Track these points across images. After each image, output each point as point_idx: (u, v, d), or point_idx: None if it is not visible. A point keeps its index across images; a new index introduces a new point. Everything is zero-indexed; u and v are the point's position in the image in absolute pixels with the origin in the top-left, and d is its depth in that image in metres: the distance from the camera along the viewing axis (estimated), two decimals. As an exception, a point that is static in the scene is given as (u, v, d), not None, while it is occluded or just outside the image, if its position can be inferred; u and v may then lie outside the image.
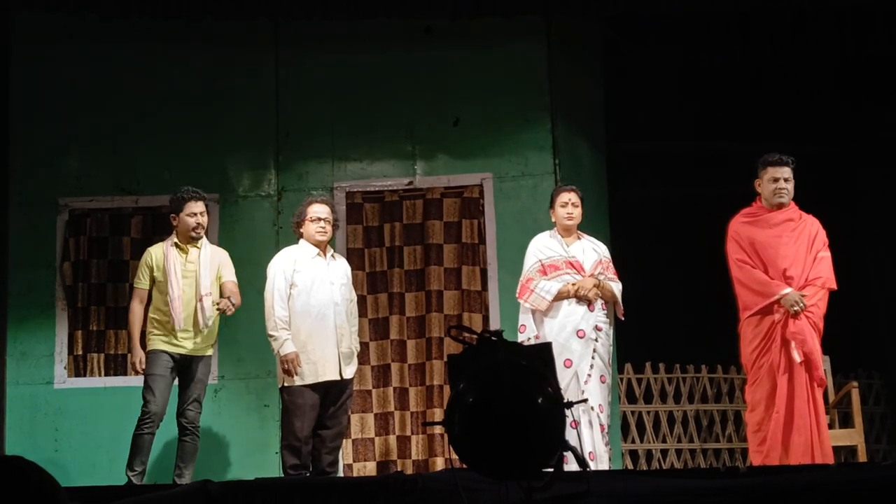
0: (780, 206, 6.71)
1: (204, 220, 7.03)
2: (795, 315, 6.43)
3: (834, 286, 6.56)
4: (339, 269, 7.02)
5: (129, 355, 7.09)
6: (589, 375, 6.62)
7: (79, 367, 8.08)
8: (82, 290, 8.16)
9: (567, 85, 8.37)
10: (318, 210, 7.00)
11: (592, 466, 6.29)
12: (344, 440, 7.40)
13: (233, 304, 6.92)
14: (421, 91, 8.35)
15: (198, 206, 6.99)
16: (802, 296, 6.45)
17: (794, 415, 6.37)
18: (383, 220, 8.31)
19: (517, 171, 8.21)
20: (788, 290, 6.48)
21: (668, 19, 8.42)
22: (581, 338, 6.64)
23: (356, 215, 8.21)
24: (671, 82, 9.24)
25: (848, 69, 9.14)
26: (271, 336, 6.86)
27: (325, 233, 6.97)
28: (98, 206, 8.26)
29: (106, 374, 8.04)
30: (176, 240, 7.01)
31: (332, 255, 7.07)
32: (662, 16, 8.30)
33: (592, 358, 6.65)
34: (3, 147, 8.27)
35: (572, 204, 6.91)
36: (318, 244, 6.98)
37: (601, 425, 6.59)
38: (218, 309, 6.90)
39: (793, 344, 6.43)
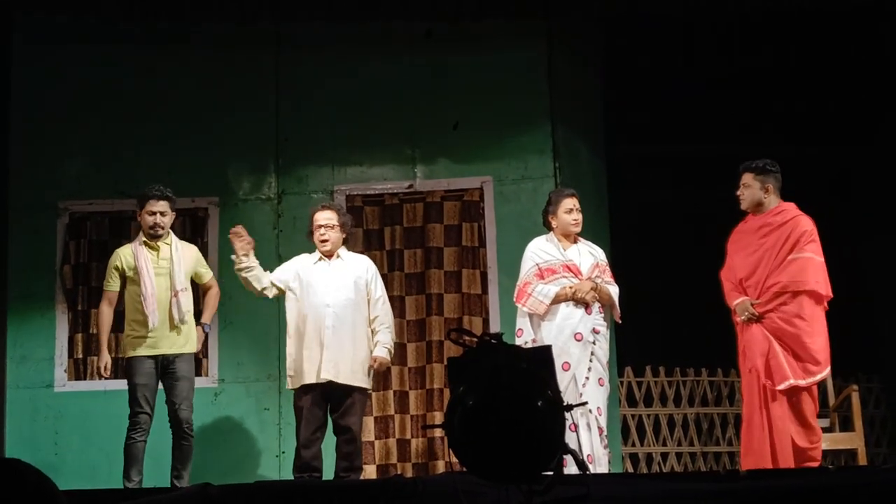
0: (746, 211, 6.71)
1: (163, 220, 6.96)
2: (748, 323, 6.48)
3: (802, 287, 6.37)
4: (343, 270, 6.95)
5: (96, 359, 6.99)
6: (587, 378, 6.61)
7: (79, 371, 8.08)
8: (82, 294, 8.16)
9: (567, 88, 8.37)
10: (319, 217, 7.01)
11: (591, 469, 6.28)
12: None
13: (205, 332, 7.20)
14: (421, 94, 8.36)
15: (158, 205, 6.95)
16: (752, 304, 6.46)
17: (751, 418, 6.43)
18: (383, 223, 8.31)
19: (517, 174, 8.21)
20: (740, 299, 6.54)
21: (668, 22, 8.43)
22: (579, 341, 6.64)
23: (356, 218, 8.17)
24: (671, 85, 9.23)
25: (850, 70, 9.14)
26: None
27: (327, 240, 6.95)
28: (98, 210, 8.26)
29: (106, 378, 8.03)
30: (144, 238, 6.98)
31: (338, 256, 7.02)
32: (662, 18, 8.30)
33: (590, 361, 6.65)
34: (3, 150, 8.27)
35: (577, 210, 6.91)
36: (324, 252, 6.99)
37: (599, 428, 6.58)
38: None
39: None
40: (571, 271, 6.79)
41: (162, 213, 6.96)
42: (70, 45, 8.36)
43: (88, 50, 8.37)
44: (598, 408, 6.61)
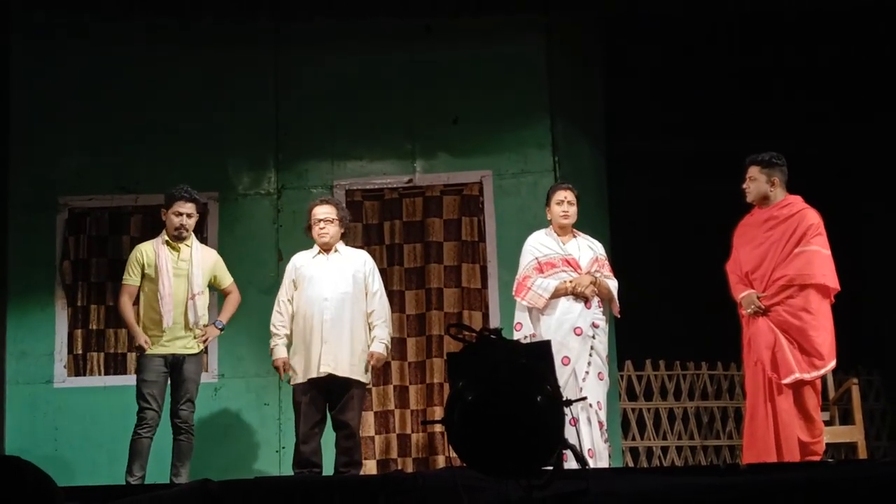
0: (752, 204, 6.71)
1: (189, 221, 6.98)
2: (754, 316, 6.48)
3: (808, 281, 6.39)
4: (341, 264, 6.96)
5: (134, 341, 6.92)
6: (587, 373, 6.61)
7: (78, 366, 8.08)
8: (82, 289, 8.16)
9: (567, 82, 8.37)
10: (318, 212, 7.01)
11: (592, 464, 6.29)
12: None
13: (219, 329, 7.11)
14: (421, 89, 8.35)
15: (185, 207, 6.96)
16: (759, 297, 6.46)
17: (755, 411, 6.43)
18: (383, 217, 8.31)
19: (517, 168, 8.21)
20: (746, 292, 6.54)
21: (669, 18, 8.41)
22: (578, 335, 6.64)
23: (356, 213, 8.18)
24: (671, 80, 9.22)
25: (850, 71, 9.12)
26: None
27: (326, 234, 6.96)
28: (98, 205, 8.26)
29: (106, 374, 8.04)
30: (167, 237, 7.00)
31: (336, 251, 7.03)
32: (663, 14, 8.28)
33: (590, 355, 6.65)
34: (2, 145, 8.26)
35: (568, 202, 6.90)
36: (323, 246, 7.00)
37: (600, 422, 6.59)
38: (203, 339, 6.97)
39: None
40: (571, 265, 6.79)
41: (188, 215, 6.98)
42: (69, 42, 8.35)
43: (88, 47, 8.36)
44: (599, 402, 6.61)
